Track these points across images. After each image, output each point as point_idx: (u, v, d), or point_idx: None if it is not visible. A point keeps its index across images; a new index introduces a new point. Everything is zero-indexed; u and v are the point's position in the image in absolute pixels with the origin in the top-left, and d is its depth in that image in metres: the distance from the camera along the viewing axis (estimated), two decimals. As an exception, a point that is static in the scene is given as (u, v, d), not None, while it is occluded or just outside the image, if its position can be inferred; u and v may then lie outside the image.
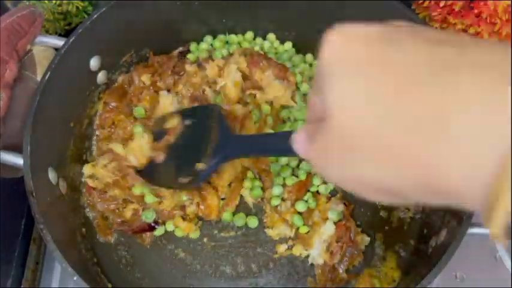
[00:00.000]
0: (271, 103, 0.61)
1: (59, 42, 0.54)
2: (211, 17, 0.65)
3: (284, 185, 0.59)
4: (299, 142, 0.35)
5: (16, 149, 0.49)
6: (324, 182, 0.59)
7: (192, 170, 0.51)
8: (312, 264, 0.57)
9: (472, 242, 0.46)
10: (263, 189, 0.59)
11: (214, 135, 0.52)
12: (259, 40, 0.67)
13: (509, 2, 0.56)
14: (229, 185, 0.58)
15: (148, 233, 0.58)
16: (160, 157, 0.54)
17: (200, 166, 0.51)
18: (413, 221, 0.58)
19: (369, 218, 0.59)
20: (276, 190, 0.58)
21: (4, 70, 0.49)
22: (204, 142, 0.52)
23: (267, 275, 0.57)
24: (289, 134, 0.38)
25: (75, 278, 0.45)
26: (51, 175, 0.53)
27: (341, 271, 0.55)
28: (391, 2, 0.56)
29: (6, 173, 0.52)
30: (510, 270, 0.61)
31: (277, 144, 0.43)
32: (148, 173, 0.55)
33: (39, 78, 0.53)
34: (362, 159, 0.26)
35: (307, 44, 0.66)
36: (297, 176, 0.59)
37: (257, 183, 0.59)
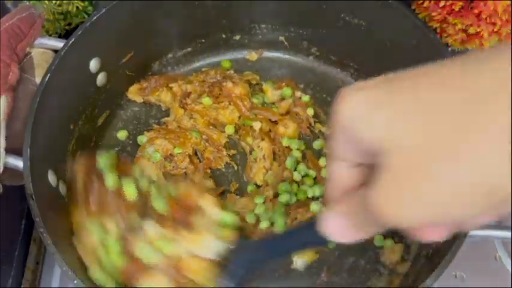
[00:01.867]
0: None
1: (59, 44, 0.54)
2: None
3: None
4: (335, 225, 0.31)
5: (16, 152, 0.49)
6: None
7: None
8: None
9: (472, 242, 0.46)
10: None
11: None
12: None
13: (509, 2, 0.56)
14: None
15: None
16: None
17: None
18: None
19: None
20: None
21: (7, 73, 0.49)
22: None
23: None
24: (311, 224, 0.33)
25: (75, 282, 0.45)
26: (51, 178, 0.52)
27: None
28: (391, 2, 0.56)
29: (9, 180, 0.51)
30: (510, 270, 0.61)
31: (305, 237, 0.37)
32: None
33: (38, 80, 0.53)
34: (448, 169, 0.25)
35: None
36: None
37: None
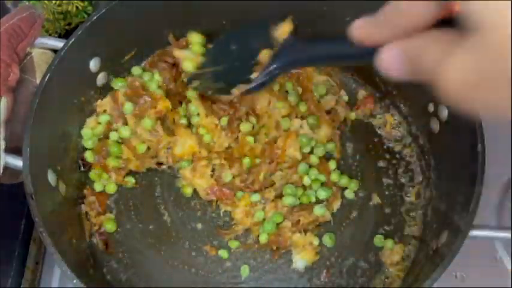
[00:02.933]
0: None
1: (59, 43, 0.54)
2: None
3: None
4: (393, 62, 0.31)
5: (16, 151, 0.49)
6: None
7: (247, 79, 0.49)
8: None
9: (472, 242, 0.46)
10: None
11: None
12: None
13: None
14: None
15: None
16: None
17: (254, 74, 0.48)
18: (414, 223, 0.58)
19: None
20: None
21: (8, 73, 0.49)
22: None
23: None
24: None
25: (74, 281, 0.45)
26: (51, 177, 0.53)
27: None
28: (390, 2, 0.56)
29: (8, 179, 0.51)
30: (510, 270, 0.61)
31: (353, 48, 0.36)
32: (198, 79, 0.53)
33: (38, 81, 0.53)
34: None
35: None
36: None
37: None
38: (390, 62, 0.31)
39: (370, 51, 0.32)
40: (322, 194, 0.58)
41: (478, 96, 0.26)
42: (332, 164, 0.60)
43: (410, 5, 0.30)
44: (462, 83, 0.26)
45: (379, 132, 0.63)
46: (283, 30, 0.47)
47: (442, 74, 0.27)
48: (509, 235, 0.47)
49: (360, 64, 0.52)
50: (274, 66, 0.48)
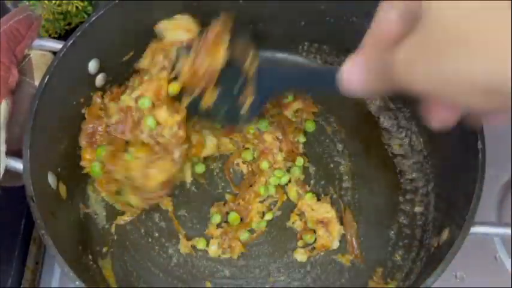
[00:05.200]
0: None
1: (57, 45, 0.54)
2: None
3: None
4: (354, 72, 0.34)
5: (16, 154, 0.49)
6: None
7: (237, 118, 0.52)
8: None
9: (472, 242, 0.46)
10: None
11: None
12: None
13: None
14: None
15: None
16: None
17: (244, 112, 0.51)
18: (414, 223, 0.58)
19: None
20: None
21: (8, 76, 0.49)
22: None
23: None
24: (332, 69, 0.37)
25: (76, 283, 0.45)
26: (51, 179, 0.53)
27: None
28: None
29: (9, 182, 0.51)
30: (510, 270, 0.61)
31: (322, 76, 0.43)
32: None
33: (37, 83, 0.53)
34: (462, 53, 0.26)
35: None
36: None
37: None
38: (352, 73, 0.34)
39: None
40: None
41: (418, 70, 0.29)
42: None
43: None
44: (405, 61, 0.29)
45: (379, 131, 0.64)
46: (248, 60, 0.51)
47: (393, 61, 0.30)
48: (509, 232, 0.47)
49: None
50: (260, 99, 0.51)
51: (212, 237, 0.58)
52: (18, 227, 0.62)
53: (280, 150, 0.61)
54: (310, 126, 0.64)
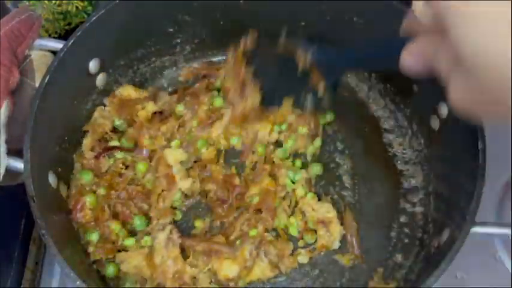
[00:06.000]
0: None
1: (58, 45, 0.54)
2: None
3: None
4: (413, 52, 0.35)
5: (16, 154, 0.49)
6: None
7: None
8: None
9: (472, 242, 0.46)
10: None
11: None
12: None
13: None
14: None
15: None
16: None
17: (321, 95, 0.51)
18: (414, 223, 0.59)
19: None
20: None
21: (9, 77, 0.49)
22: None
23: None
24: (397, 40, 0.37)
25: (77, 283, 0.45)
26: (52, 179, 0.53)
27: None
28: (391, 2, 0.56)
29: (6, 181, 0.51)
30: (510, 270, 0.61)
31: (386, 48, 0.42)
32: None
33: (37, 83, 0.53)
34: None
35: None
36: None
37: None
38: (410, 65, 0.36)
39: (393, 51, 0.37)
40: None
41: (479, 109, 0.31)
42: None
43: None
44: (463, 101, 0.31)
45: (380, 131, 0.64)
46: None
47: (448, 92, 0.32)
48: (509, 232, 0.47)
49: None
50: (329, 80, 0.51)
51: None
52: (18, 227, 0.62)
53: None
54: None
